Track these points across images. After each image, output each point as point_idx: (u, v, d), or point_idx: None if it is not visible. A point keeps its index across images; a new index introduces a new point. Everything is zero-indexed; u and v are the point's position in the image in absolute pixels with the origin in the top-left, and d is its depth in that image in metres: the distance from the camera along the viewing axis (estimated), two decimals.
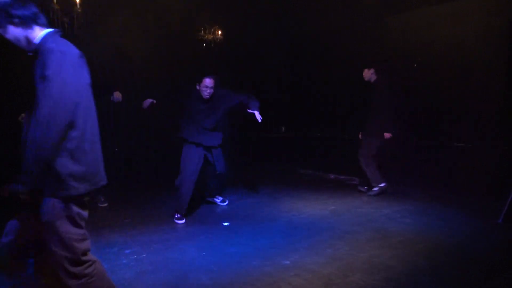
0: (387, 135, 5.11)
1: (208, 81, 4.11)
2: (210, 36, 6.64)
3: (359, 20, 6.44)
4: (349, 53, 6.55)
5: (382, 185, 5.18)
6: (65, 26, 5.21)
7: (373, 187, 5.21)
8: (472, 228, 3.85)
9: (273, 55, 7.65)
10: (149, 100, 4.08)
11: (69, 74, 1.83)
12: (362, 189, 5.44)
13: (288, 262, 3.11)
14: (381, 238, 3.61)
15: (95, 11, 5.61)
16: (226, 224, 4.10)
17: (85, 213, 2.04)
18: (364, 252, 3.27)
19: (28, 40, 1.94)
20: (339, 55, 6.74)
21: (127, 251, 3.36)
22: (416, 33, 5.65)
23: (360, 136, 5.39)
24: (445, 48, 5.31)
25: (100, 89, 3.79)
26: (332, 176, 6.60)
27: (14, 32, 1.91)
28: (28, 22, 1.91)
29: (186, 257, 3.23)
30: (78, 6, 5.12)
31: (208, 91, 4.13)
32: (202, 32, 6.60)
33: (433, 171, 5.41)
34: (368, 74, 5.23)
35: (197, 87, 4.19)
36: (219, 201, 4.96)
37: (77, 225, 1.98)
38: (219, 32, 6.69)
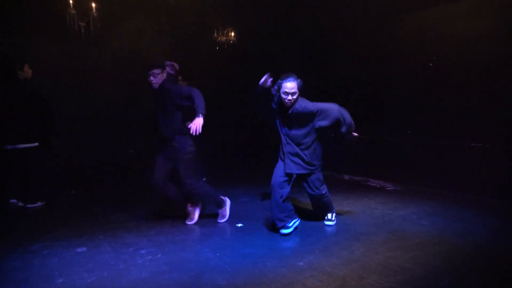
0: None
1: (289, 85, 3.60)
2: (223, 38, 6.66)
3: (374, 17, 6.37)
4: (363, 51, 6.49)
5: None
6: (81, 30, 5.31)
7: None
8: (491, 230, 3.76)
9: (286, 55, 7.63)
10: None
11: None
12: None
13: (302, 263, 3.09)
14: (397, 239, 3.56)
15: (110, 14, 5.70)
16: (239, 225, 4.10)
17: None
18: (380, 254, 3.23)
19: None
20: (353, 53, 6.68)
21: (143, 251, 3.39)
22: (432, 31, 5.55)
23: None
24: (463, 46, 5.20)
25: None
26: (346, 177, 6.54)
27: None
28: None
29: (201, 258, 3.24)
30: (94, 10, 5.22)
31: (289, 97, 3.62)
32: (215, 34, 6.63)
33: (449, 171, 5.32)
34: (185, 84, 5.74)
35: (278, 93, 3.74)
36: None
37: None
38: (232, 34, 6.71)
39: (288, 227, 3.71)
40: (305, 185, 3.88)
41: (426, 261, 3.05)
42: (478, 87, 5.07)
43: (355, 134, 3.83)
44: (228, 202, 4.30)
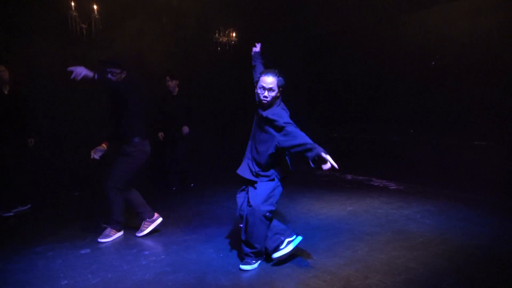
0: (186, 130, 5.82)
1: (267, 80, 3.08)
2: (225, 39, 6.65)
3: (375, 18, 6.35)
4: (365, 51, 6.48)
5: None
6: (83, 32, 5.33)
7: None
8: (495, 229, 3.74)
9: (288, 56, 7.63)
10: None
11: None
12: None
13: (306, 263, 3.09)
14: (401, 239, 3.54)
15: (112, 16, 5.71)
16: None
17: None
18: (384, 254, 3.22)
19: None
20: (356, 53, 6.66)
21: (146, 253, 3.41)
22: (434, 30, 5.52)
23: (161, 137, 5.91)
24: (466, 45, 5.17)
25: None
26: (349, 177, 6.53)
27: None
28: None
29: (204, 258, 3.25)
30: (96, 12, 5.23)
31: (266, 94, 3.08)
32: (217, 34, 6.62)
33: (453, 170, 5.29)
34: (173, 84, 5.76)
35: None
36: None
37: None
38: (234, 34, 6.71)
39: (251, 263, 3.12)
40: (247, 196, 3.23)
41: (430, 261, 3.04)
42: (481, 85, 5.05)
43: (327, 166, 2.86)
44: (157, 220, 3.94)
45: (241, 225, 4.03)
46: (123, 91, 3.65)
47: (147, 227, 3.87)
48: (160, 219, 3.95)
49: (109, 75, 3.62)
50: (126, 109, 3.68)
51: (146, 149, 3.82)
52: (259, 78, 3.13)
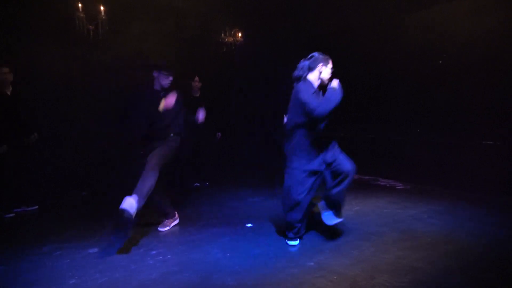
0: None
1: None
2: (231, 39, 6.66)
3: (375, 18, 6.37)
4: (370, 51, 6.49)
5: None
6: (90, 33, 5.32)
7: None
8: (504, 229, 3.74)
9: (288, 56, 7.63)
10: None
11: None
12: None
13: (313, 263, 3.09)
14: (408, 239, 3.55)
15: (117, 17, 5.70)
16: (249, 225, 4.10)
17: None
18: (390, 254, 3.22)
19: None
20: (360, 53, 6.67)
21: (153, 252, 3.40)
22: (438, 29, 5.53)
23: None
24: (466, 45, 5.19)
25: None
26: (355, 176, 6.52)
27: None
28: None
29: (211, 258, 3.25)
30: (103, 13, 5.23)
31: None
32: (223, 35, 6.63)
33: (460, 170, 5.29)
34: (200, 85, 5.89)
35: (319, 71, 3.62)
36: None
37: None
38: (239, 35, 6.71)
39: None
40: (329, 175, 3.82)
41: (437, 261, 3.04)
42: (487, 84, 5.06)
43: None
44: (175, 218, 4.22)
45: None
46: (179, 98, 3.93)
47: (170, 224, 4.13)
48: (177, 219, 4.25)
49: (170, 79, 3.94)
50: (177, 112, 3.98)
51: (178, 142, 4.05)
52: (327, 60, 3.66)
